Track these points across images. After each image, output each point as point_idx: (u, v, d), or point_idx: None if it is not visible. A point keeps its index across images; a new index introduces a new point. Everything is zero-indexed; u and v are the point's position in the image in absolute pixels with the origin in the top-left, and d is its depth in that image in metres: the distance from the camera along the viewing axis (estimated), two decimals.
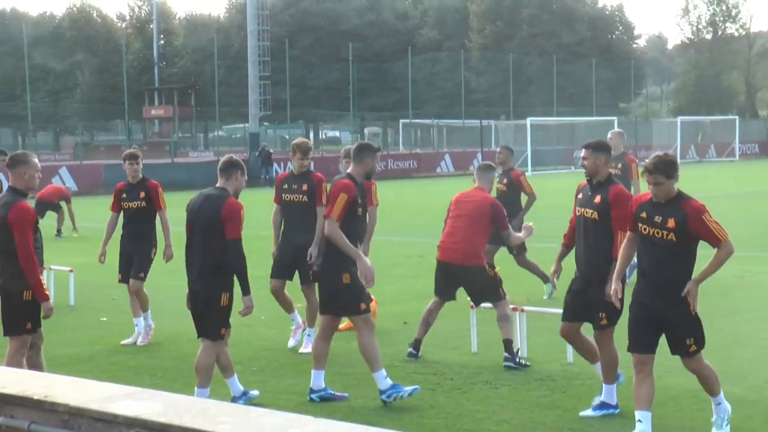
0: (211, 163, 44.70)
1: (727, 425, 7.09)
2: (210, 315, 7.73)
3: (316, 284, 8.69)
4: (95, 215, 10.99)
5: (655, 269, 6.73)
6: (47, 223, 20.91)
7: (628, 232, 7.05)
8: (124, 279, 10.85)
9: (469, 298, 9.87)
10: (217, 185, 7.89)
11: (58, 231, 22.57)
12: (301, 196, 10.04)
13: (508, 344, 9.33)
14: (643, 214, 6.78)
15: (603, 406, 7.68)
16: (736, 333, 10.59)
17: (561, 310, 7.99)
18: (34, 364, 7.75)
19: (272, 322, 11.33)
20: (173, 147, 54.98)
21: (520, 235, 9.78)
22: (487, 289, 9.54)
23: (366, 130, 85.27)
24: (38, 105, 68.94)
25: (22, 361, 7.60)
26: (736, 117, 69.02)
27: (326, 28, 75.65)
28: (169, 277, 14.45)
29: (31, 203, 7.76)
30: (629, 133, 62.69)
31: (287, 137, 76.10)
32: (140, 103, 68.91)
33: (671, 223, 6.61)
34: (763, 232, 20.27)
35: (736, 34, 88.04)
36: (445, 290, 9.79)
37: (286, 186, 10.19)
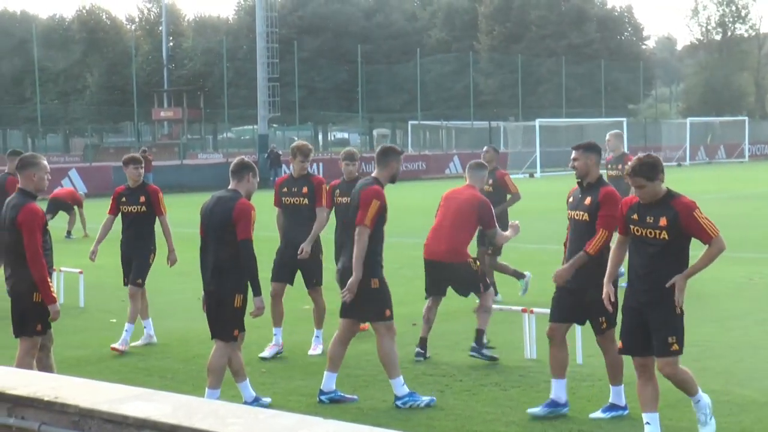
0: (220, 164, 44.82)
1: (711, 418, 7.02)
2: (223, 316, 7.76)
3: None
4: (104, 217, 10.96)
5: (648, 269, 6.70)
6: (58, 225, 20.98)
7: (619, 235, 7.03)
8: (126, 282, 10.77)
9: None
10: (229, 187, 7.92)
11: (68, 233, 22.65)
12: (301, 199, 10.02)
13: (479, 334, 9.55)
14: (634, 216, 6.76)
15: (612, 407, 7.67)
16: (747, 334, 10.56)
17: None
18: (44, 366, 7.77)
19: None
20: (182, 149, 55.06)
21: (507, 233, 9.77)
22: (471, 282, 9.71)
23: (374, 132, 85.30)
24: (48, 107, 69.19)
25: (32, 362, 7.63)
26: (746, 118, 68.85)
27: (335, 30, 75.70)
28: (178, 279, 14.48)
29: (42, 205, 7.78)
30: (638, 135, 62.87)
31: (296, 139, 75.91)
32: (149, 105, 69.09)
33: (663, 221, 6.60)
34: None
35: (746, 35, 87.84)
36: (434, 288, 9.88)
37: (285, 189, 10.15)
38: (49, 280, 7.58)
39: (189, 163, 50.19)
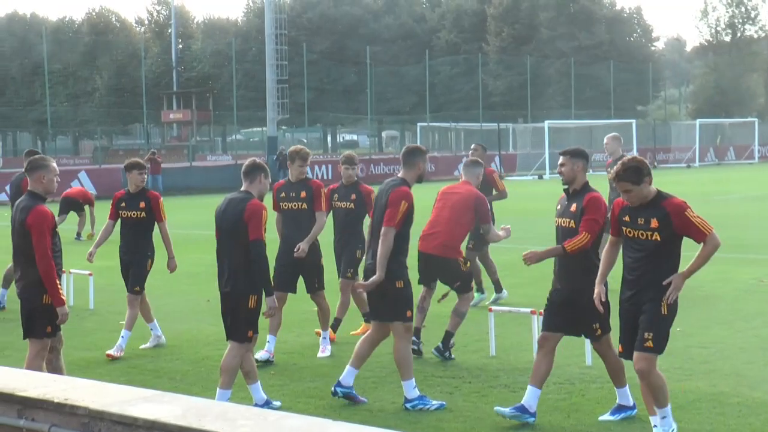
0: (229, 166, 44.85)
1: None
2: (237, 317, 7.80)
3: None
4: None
5: (641, 270, 6.69)
6: (67, 227, 21.04)
7: (612, 237, 7.02)
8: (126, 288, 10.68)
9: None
10: (242, 189, 7.95)
11: (78, 234, 22.71)
12: (300, 204, 9.98)
13: (447, 336, 9.73)
14: (626, 218, 6.77)
15: (620, 408, 7.65)
16: (757, 336, 10.52)
17: None
18: (54, 368, 7.79)
19: (290, 326, 11.33)
20: (191, 151, 55.09)
21: (501, 234, 9.85)
22: (458, 281, 9.82)
23: (384, 134, 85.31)
24: (57, 109, 69.37)
25: (42, 364, 7.64)
26: (756, 119, 68.69)
27: (344, 32, 75.75)
28: (187, 281, 14.51)
29: (53, 206, 7.79)
30: (647, 136, 62.75)
31: (305, 141, 76.23)
32: (158, 107, 69.20)
33: (654, 223, 6.60)
34: None
35: (756, 36, 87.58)
36: (426, 280, 10.06)
37: (283, 194, 10.07)
38: (58, 282, 7.60)
39: (198, 165, 50.22)
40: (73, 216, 22.97)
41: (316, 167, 46.14)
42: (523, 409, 7.48)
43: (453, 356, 9.76)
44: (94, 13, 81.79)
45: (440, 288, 10.21)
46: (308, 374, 9.35)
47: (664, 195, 6.72)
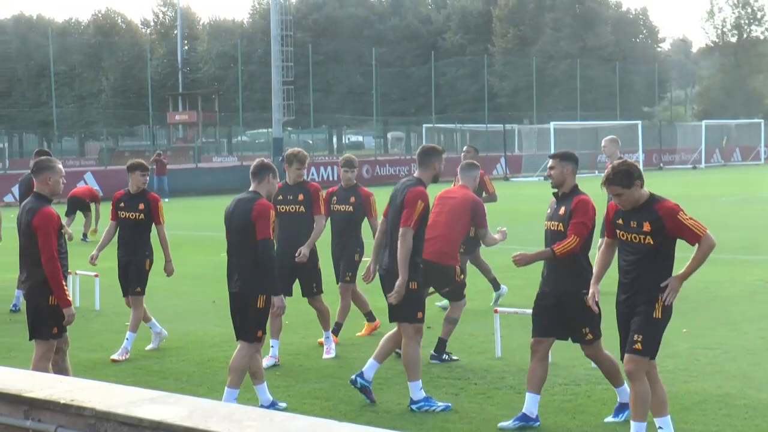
0: (235, 168, 44.90)
1: None
2: (246, 317, 7.83)
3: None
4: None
5: (635, 273, 6.68)
6: (73, 228, 21.05)
7: (607, 239, 7.01)
8: (124, 292, 10.61)
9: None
10: (250, 189, 7.97)
11: (84, 235, 22.73)
12: (297, 207, 9.93)
13: (441, 344, 9.73)
14: (620, 221, 6.76)
15: (623, 407, 7.63)
16: (764, 337, 10.51)
17: None
18: (60, 369, 7.80)
19: (296, 327, 11.35)
20: (197, 152, 55.16)
21: (497, 237, 9.89)
22: (451, 289, 9.85)
23: (389, 135, 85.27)
24: (63, 111, 69.48)
25: (48, 365, 7.66)
26: (762, 120, 68.52)
27: (349, 33, 75.74)
28: (193, 282, 14.52)
29: (60, 206, 7.80)
30: (653, 137, 62.68)
31: (311, 142, 76.30)
32: (164, 109, 69.24)
33: (647, 226, 6.59)
34: None
35: (762, 37, 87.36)
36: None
37: (281, 197, 9.92)
38: (64, 283, 7.61)
39: (204, 166, 50.25)
40: (79, 217, 23.01)
41: (321, 168, 46.17)
42: (525, 418, 7.49)
43: (456, 357, 9.76)
44: (100, 15, 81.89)
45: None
46: (314, 375, 9.35)
47: (657, 198, 6.70)
